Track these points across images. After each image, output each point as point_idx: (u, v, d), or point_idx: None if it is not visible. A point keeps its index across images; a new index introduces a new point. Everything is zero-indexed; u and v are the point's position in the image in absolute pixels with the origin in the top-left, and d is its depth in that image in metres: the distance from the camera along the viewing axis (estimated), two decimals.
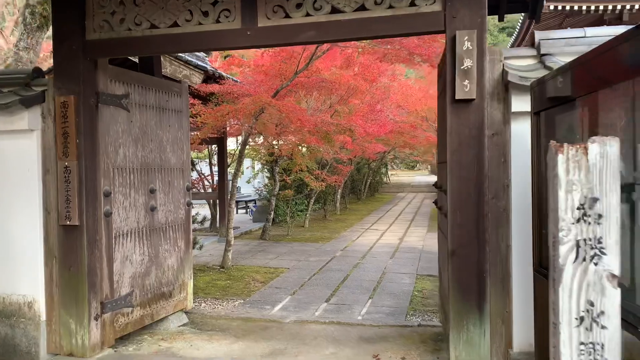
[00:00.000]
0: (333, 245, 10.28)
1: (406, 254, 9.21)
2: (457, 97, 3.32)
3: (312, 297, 6.33)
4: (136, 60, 5.45)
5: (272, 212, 11.28)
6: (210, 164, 12.55)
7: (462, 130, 3.38)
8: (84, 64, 4.10)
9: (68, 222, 4.11)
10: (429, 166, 43.87)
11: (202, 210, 13.13)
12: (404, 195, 25.75)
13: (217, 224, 11.28)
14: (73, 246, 4.15)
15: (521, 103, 3.27)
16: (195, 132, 8.40)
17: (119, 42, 4.06)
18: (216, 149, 11.70)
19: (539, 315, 2.94)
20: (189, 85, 7.34)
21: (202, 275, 7.44)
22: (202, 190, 12.19)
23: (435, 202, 4.83)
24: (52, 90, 4.18)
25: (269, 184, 13.11)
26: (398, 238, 11.33)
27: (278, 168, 10.95)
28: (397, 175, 40.01)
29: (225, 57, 15.32)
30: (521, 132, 3.34)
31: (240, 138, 12.01)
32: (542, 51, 3.43)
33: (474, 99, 3.32)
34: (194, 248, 7.47)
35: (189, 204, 5.39)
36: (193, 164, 11.92)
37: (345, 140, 11.11)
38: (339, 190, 16.60)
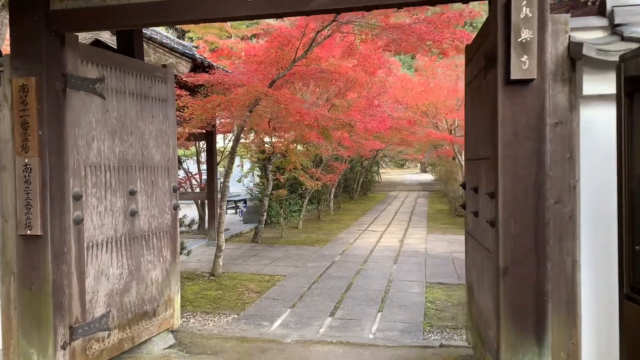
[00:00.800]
0: (331, 249, 9.60)
1: (410, 259, 8.57)
2: (512, 77, 2.65)
3: (315, 310, 5.65)
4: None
5: (265, 213, 10.57)
6: (198, 162, 11.79)
7: (518, 119, 2.72)
8: (48, 40, 3.39)
9: (29, 232, 3.39)
10: (419, 164, 43.52)
11: (189, 211, 12.37)
12: (396, 194, 25.18)
13: (206, 226, 10.53)
14: (35, 260, 3.43)
15: (595, 84, 2.62)
16: (183, 126, 7.66)
17: (91, 12, 3.34)
18: (204, 145, 10.93)
19: (628, 351, 2.30)
20: (176, 75, 6.63)
21: (190, 285, 6.72)
22: (190, 190, 11.44)
23: (463, 206, 4.19)
24: (9, 71, 3.46)
25: (260, 183, 12.39)
26: (398, 240, 10.69)
27: (271, 166, 10.23)
28: (388, 174, 39.60)
29: (212, 50, 14.61)
30: (593, 120, 2.70)
31: (230, 135, 11.28)
32: (617, 21, 2.79)
33: (533, 79, 2.66)
34: (181, 254, 6.73)
35: (176, 207, 4.66)
36: (180, 162, 11.16)
37: (343, 136, 10.44)
38: (332, 189, 15.94)
